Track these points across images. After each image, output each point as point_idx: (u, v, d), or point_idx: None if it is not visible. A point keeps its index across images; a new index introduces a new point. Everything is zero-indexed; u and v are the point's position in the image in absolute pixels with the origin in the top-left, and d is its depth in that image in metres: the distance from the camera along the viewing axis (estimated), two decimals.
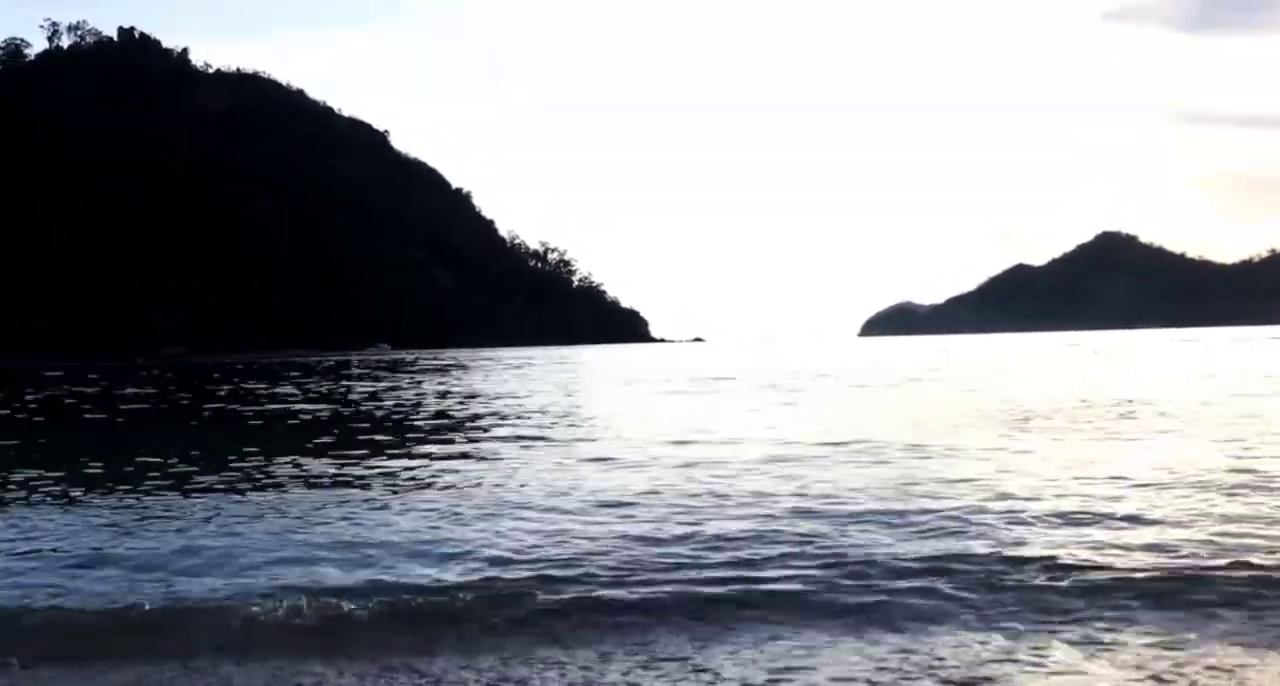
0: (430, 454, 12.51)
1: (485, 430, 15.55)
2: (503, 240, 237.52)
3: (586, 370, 46.37)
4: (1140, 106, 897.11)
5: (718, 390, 25.34)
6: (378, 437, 14.95)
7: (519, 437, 13.98)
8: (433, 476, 10.50)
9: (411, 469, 11.09)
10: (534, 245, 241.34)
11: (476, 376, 38.55)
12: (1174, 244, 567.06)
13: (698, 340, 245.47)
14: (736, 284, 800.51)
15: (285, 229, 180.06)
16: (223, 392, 30.57)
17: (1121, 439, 12.43)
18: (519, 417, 17.28)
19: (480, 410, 19.74)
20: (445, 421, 17.43)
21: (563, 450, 12.50)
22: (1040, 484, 8.79)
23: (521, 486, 9.41)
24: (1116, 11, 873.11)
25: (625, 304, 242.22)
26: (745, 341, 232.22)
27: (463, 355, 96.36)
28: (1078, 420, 14.82)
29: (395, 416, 19.04)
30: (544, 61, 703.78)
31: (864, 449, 11.69)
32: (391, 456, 12.35)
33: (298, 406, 22.30)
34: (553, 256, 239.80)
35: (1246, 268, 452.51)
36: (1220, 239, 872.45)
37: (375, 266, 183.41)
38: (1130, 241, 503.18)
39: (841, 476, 9.45)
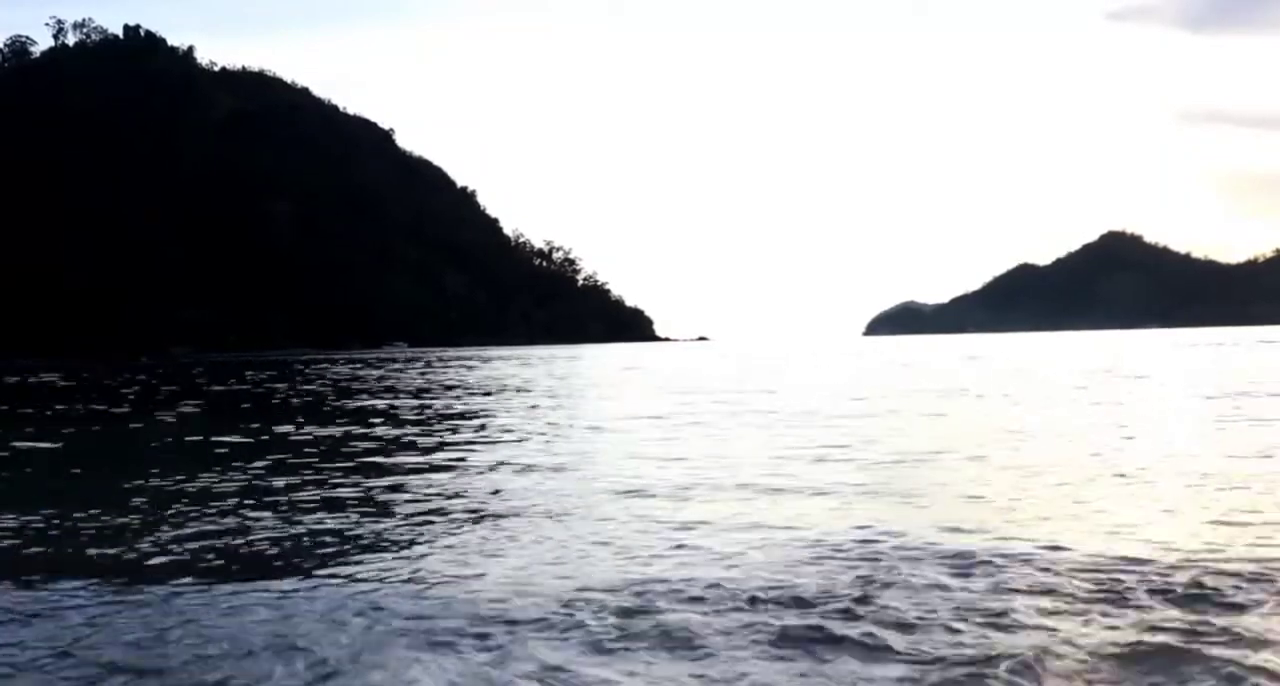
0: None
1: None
2: (508, 239, 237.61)
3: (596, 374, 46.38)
4: (1145, 106, 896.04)
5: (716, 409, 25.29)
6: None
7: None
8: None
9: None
10: (539, 244, 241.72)
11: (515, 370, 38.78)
12: (1179, 243, 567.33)
13: (702, 339, 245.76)
14: (742, 282, 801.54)
15: (291, 227, 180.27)
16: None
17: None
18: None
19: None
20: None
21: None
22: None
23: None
24: (1121, 11, 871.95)
25: (630, 303, 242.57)
26: (750, 341, 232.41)
27: (481, 354, 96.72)
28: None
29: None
30: (548, 59, 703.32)
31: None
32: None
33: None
34: (558, 255, 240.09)
35: (1252, 267, 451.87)
36: (1225, 238, 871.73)
37: (382, 265, 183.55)
38: (1135, 241, 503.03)
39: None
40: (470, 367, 54.40)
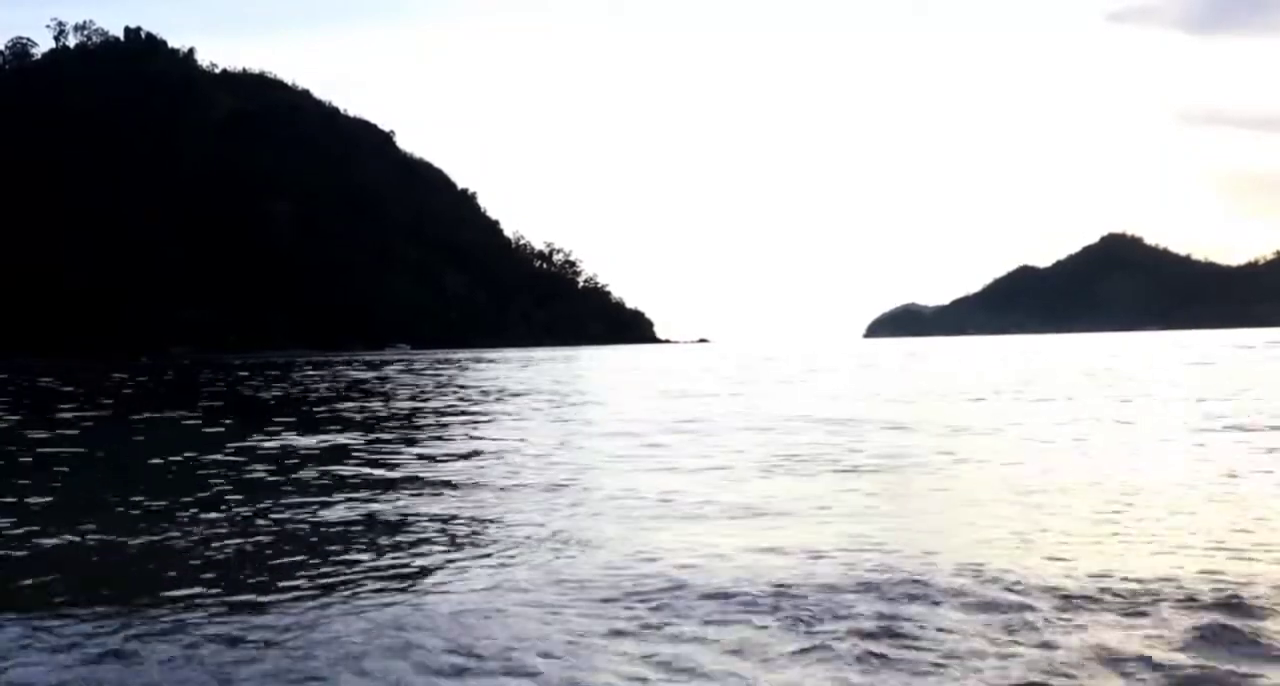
0: None
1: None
2: (509, 241, 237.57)
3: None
4: (1146, 107, 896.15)
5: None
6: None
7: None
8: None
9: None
10: (539, 246, 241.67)
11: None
12: (1179, 245, 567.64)
13: (703, 341, 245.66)
14: (742, 284, 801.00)
15: (292, 228, 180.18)
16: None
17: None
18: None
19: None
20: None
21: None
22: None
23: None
24: (1122, 12, 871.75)
25: (631, 305, 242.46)
26: (751, 343, 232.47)
27: (483, 355, 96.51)
28: None
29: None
30: (549, 60, 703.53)
31: None
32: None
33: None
34: (558, 257, 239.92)
35: (1252, 269, 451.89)
36: (1226, 240, 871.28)
37: (383, 266, 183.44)
38: (1135, 243, 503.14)
39: None
40: (477, 370, 54.25)
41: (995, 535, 7.71)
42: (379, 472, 12.28)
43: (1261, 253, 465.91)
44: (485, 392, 30.67)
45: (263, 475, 12.20)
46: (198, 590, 6.53)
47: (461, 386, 35.33)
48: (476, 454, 14.23)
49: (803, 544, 7.42)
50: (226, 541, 8.10)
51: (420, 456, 14.02)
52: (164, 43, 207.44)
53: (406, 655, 5.08)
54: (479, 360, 77.66)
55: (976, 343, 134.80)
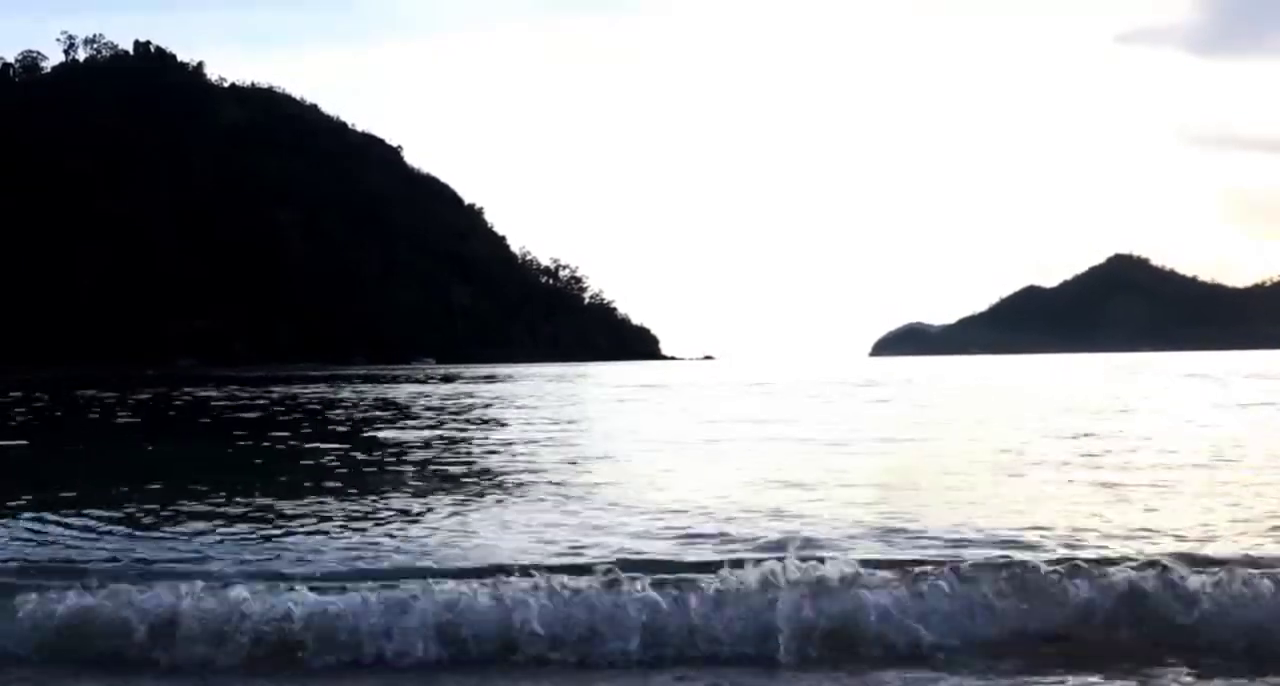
0: None
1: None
2: (515, 256, 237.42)
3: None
4: (1153, 128, 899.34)
5: None
6: None
7: None
8: None
9: None
10: (545, 261, 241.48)
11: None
12: (1186, 266, 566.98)
13: (708, 358, 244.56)
14: (748, 302, 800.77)
15: (299, 243, 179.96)
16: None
17: None
18: None
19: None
20: None
21: None
22: None
23: None
24: (1129, 34, 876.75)
25: (637, 321, 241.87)
26: (758, 361, 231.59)
27: (500, 371, 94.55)
28: None
29: None
30: (555, 77, 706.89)
31: None
32: None
33: None
34: (564, 273, 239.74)
35: (1259, 290, 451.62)
36: (1232, 262, 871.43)
37: (390, 281, 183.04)
38: (1142, 263, 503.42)
39: None
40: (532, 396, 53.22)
41: None
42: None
43: (1268, 274, 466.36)
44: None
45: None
46: None
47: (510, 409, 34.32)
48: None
49: None
50: None
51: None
52: (173, 57, 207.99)
53: None
54: (522, 377, 71.04)
55: (990, 362, 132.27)
